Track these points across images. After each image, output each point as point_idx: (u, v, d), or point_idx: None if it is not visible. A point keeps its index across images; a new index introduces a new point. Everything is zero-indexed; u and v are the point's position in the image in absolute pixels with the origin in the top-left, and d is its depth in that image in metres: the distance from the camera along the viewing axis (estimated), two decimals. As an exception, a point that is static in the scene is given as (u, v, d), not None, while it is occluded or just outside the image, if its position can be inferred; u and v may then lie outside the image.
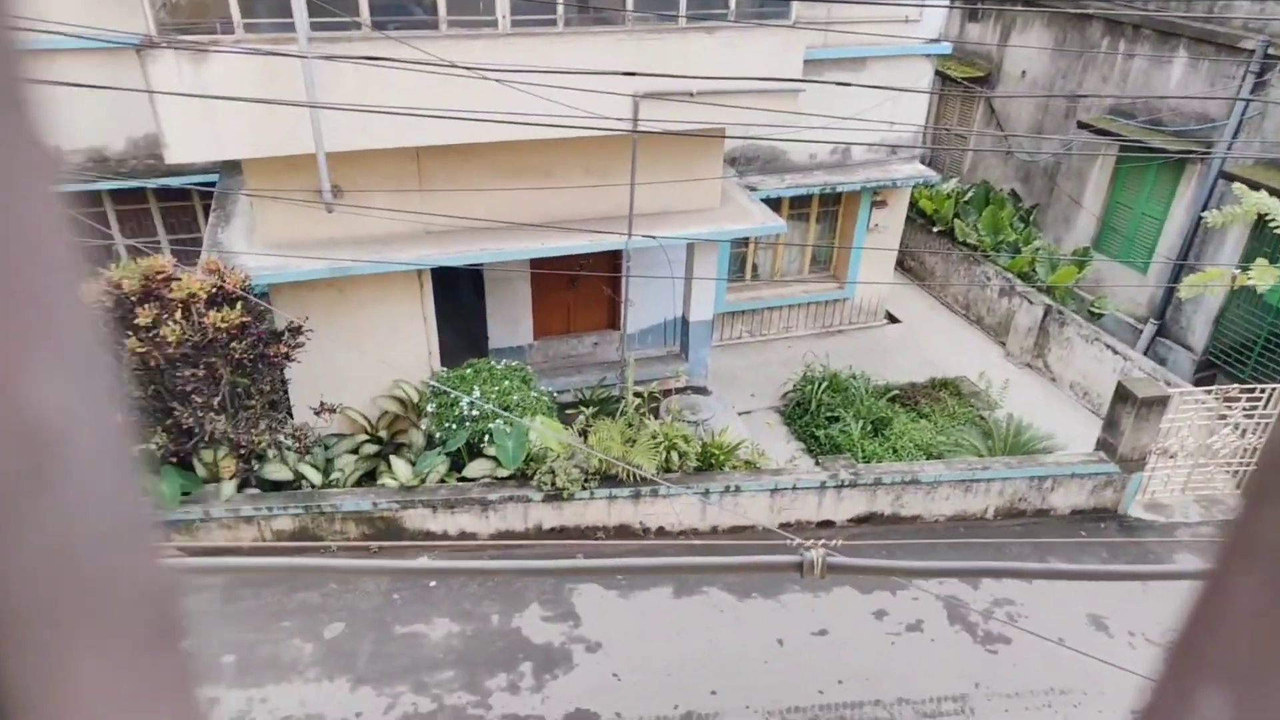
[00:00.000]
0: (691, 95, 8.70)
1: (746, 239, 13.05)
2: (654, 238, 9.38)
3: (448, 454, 9.36)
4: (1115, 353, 12.09)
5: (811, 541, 2.97)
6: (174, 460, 8.86)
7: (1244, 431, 10.43)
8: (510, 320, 11.62)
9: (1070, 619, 8.70)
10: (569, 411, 10.47)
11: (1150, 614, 8.82)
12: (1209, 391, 10.36)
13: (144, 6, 7.32)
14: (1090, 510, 10.38)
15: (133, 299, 8.04)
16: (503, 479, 9.25)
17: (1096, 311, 13.93)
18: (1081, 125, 14.36)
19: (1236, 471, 10.74)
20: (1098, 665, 7.13)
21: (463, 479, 9.31)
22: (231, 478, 8.84)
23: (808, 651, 8.20)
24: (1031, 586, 9.08)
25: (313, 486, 9.12)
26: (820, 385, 11.66)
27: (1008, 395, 12.42)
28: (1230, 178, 12.12)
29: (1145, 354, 13.16)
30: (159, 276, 8.14)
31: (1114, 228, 14.59)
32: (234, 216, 9.98)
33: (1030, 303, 13.30)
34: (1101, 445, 10.37)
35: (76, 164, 10.92)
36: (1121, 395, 9.99)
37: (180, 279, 8.15)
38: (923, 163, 14.00)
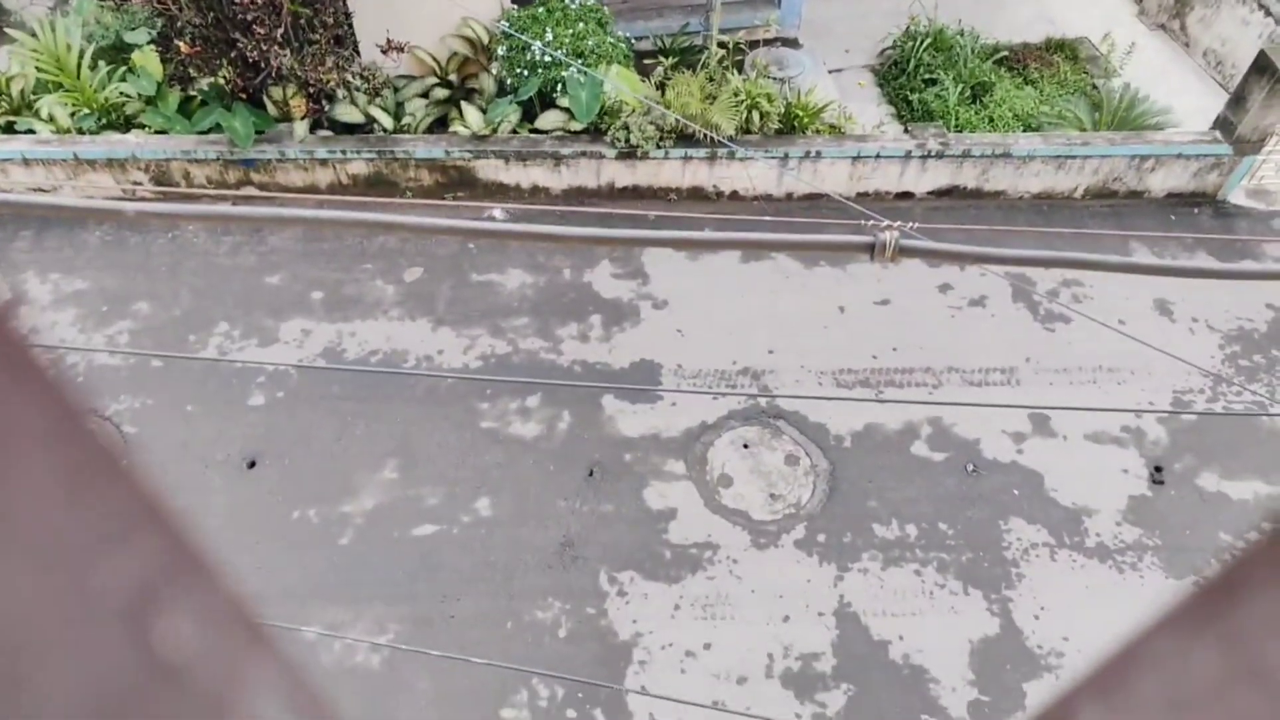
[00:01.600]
0: None
1: None
2: None
3: (519, 103, 9.05)
4: (1269, 13, 10.55)
5: (885, 224, 2.84)
6: (244, 96, 8.77)
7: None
8: (584, -50, 10.46)
9: (1136, 302, 8.69)
10: (647, 61, 9.82)
11: (1218, 300, 8.74)
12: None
13: None
14: (1188, 194, 9.82)
15: (179, -89, 7.38)
16: (576, 133, 9.01)
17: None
18: None
19: (1362, 162, 9.87)
20: (1151, 347, 7.25)
21: (535, 130, 9.09)
22: (303, 117, 8.78)
23: (868, 319, 8.46)
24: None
25: (385, 131, 9.04)
26: (923, 42, 10.60)
27: (1130, 61, 11.18)
28: None
29: (1304, 18, 11.47)
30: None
31: None
32: None
33: (1184, -51, 11.39)
34: (1219, 124, 9.50)
35: None
36: (1260, 66, 8.89)
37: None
38: None
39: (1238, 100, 9.24)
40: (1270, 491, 7.41)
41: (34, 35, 9.18)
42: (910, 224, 2.84)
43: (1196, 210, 9.80)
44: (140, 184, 9.10)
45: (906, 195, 9.61)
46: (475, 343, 8.10)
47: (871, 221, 2.98)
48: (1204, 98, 10.86)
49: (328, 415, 7.53)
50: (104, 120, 9.10)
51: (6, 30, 9.65)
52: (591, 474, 7.24)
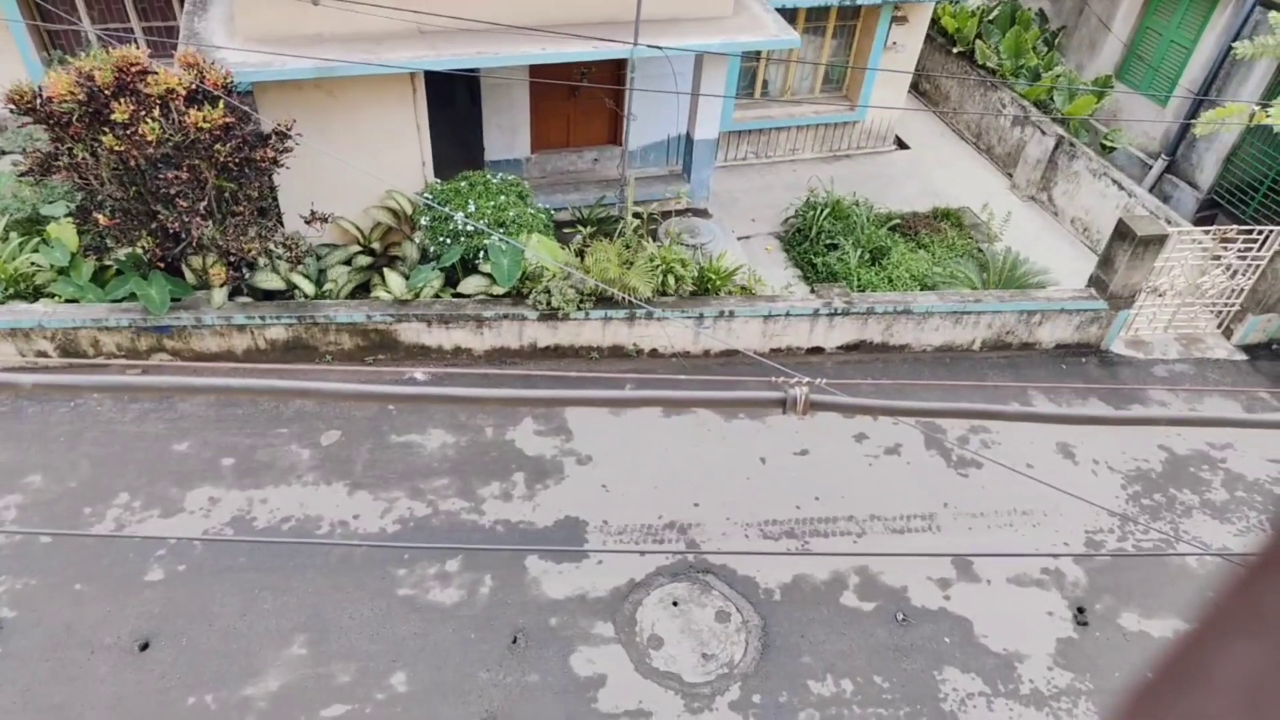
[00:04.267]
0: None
1: (758, 53, 12.35)
2: (660, 48, 8.84)
3: (442, 269, 9.29)
4: (1121, 188, 11.86)
5: (796, 379, 2.99)
6: (161, 266, 8.76)
7: (1235, 273, 10.46)
8: (507, 130, 11.17)
9: (1040, 446, 9.10)
10: (566, 230, 10.31)
11: (1115, 444, 9.22)
12: (1207, 231, 10.27)
13: None
14: (1074, 345, 10.58)
15: (106, 92, 7.62)
16: (498, 297, 9.25)
17: (1109, 145, 13.53)
18: (1124, -62, 13.27)
19: (1220, 312, 10.87)
20: (1059, 490, 7.54)
21: (457, 295, 9.30)
22: (222, 285, 8.79)
23: (788, 470, 8.59)
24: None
25: (306, 297, 9.10)
26: (822, 212, 11.47)
27: (1009, 228, 12.29)
28: (1269, 5, 11.41)
29: (1151, 190, 12.93)
30: (133, 69, 7.67)
31: (1140, 55, 13.86)
32: (211, 5, 9.30)
33: (1043, 133, 12.86)
34: (1094, 282, 10.41)
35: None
36: (1121, 233, 9.91)
37: (157, 73, 7.69)
38: (949, -26, 13.03)
39: (1106, 261, 10.19)
40: (1188, 628, 7.54)
41: (-55, 209, 9.10)
42: (820, 379, 2.97)
43: (1084, 360, 10.52)
44: (45, 353, 8.82)
45: (817, 350, 10.06)
46: (393, 505, 7.86)
47: (783, 378, 3.11)
48: (1076, 260, 11.94)
49: (232, 589, 7.07)
50: (10, 290, 8.91)
51: (-84, 204, 9.54)
52: (515, 641, 6.90)
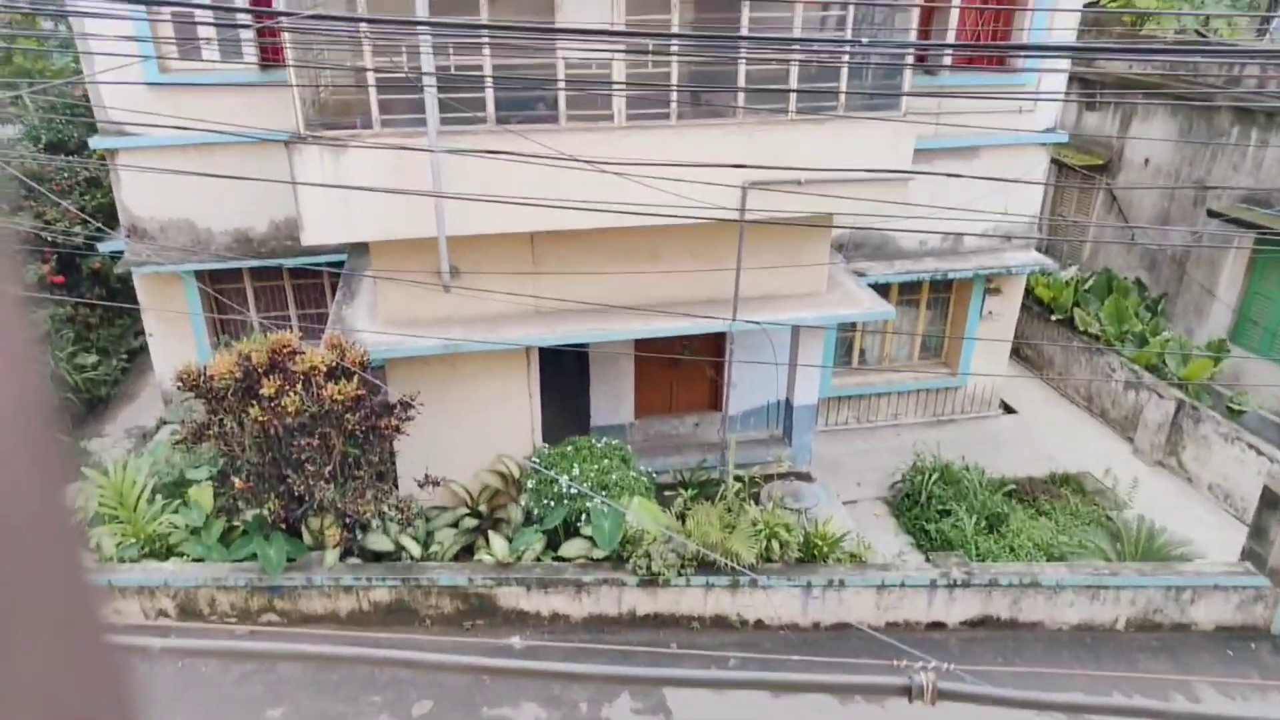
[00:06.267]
0: (799, 184, 8.75)
1: (854, 324, 12.84)
2: (757, 323, 9.34)
3: (544, 531, 9.37)
4: (1260, 453, 11.14)
5: (921, 662, 2.75)
6: (283, 526, 9.19)
7: None
8: (613, 398, 11.71)
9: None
10: (667, 493, 10.35)
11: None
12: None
13: (295, 106, 7.97)
14: (1238, 627, 9.42)
15: (260, 370, 8.51)
16: (598, 560, 9.16)
17: (1236, 408, 12.94)
18: (1212, 214, 13.64)
19: None
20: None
21: (558, 558, 9.27)
22: (336, 546, 9.08)
23: (915, 766, 7.61)
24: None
25: (412, 558, 9.26)
26: (931, 476, 11.16)
27: (1137, 495, 11.57)
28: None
29: (1294, 456, 12.07)
30: (285, 350, 8.61)
31: (1252, 319, 13.64)
32: (358, 295, 10.53)
33: (1160, 397, 12.48)
34: (1248, 555, 9.48)
35: (224, 244, 11.84)
36: (1270, 500, 9.16)
37: (304, 353, 8.59)
38: (1039, 250, 13.55)
39: (1258, 532, 9.35)
40: None
41: (106, 474, 10.00)
42: (948, 664, 2.75)
43: (1253, 645, 9.32)
44: (165, 612, 9.13)
45: (938, 625, 9.32)
46: (480, 789, 7.33)
47: (906, 661, 2.89)
48: (1221, 530, 11.00)
49: None
50: (146, 549, 9.46)
51: (82, 469, 10.54)
52: None
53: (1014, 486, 11.45)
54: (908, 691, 2.58)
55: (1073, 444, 13.04)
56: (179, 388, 8.64)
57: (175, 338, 12.32)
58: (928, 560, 9.60)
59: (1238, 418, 12.83)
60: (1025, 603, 9.22)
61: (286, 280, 12.66)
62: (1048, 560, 9.95)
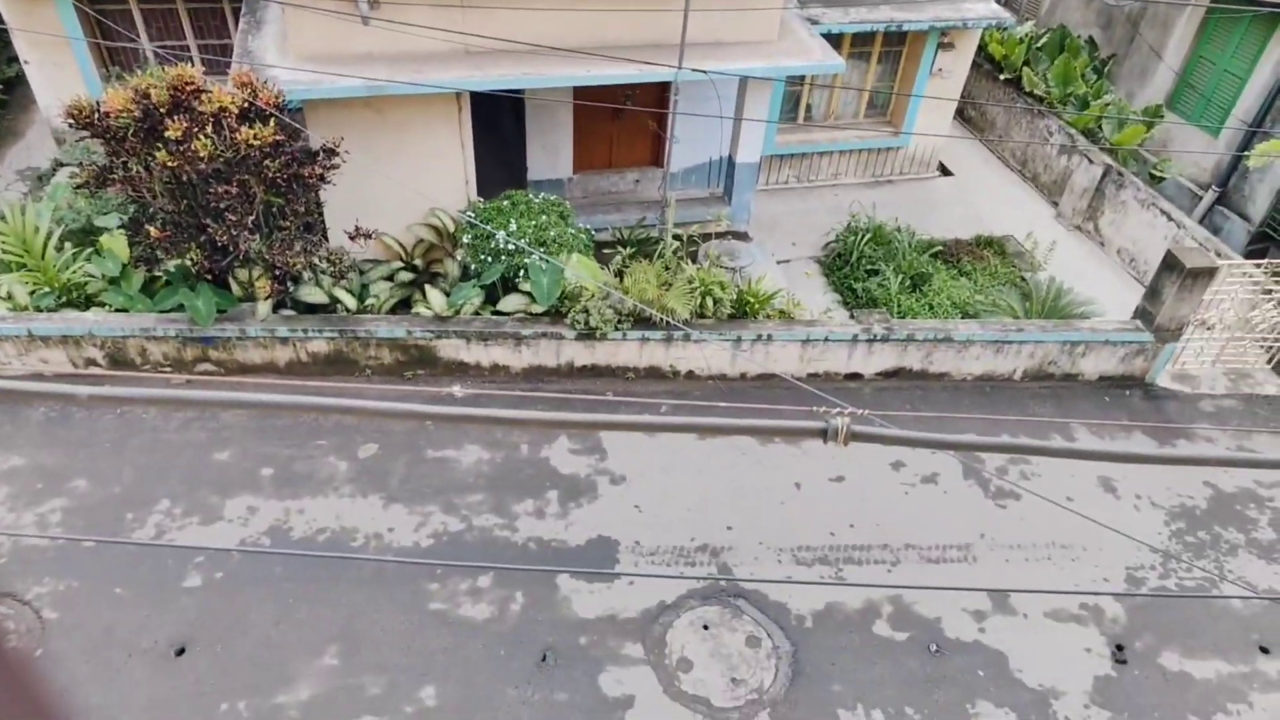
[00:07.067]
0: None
1: (802, 77, 12.37)
2: (705, 72, 8.90)
3: (482, 287, 9.39)
4: (1170, 219, 11.63)
5: (838, 409, 2.97)
6: (209, 277, 8.97)
7: (1289, 308, 10.18)
8: (550, 151, 11.30)
9: (1081, 480, 8.90)
10: (606, 250, 10.37)
11: (1159, 479, 8.99)
12: (1259, 265, 10.02)
13: None
14: (1118, 377, 10.35)
15: (162, 110, 7.85)
16: (536, 315, 9.31)
17: (1158, 175, 13.29)
18: (1176, -34, 13.10)
19: (1270, 347, 10.58)
20: (1100, 525, 7.37)
21: (497, 313, 9.39)
22: (267, 298, 8.97)
23: (823, 496, 8.49)
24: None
25: (348, 311, 9.26)
26: (863, 237, 11.40)
27: (1053, 257, 12.11)
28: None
29: (1200, 222, 12.66)
30: (188, 87, 7.90)
31: (1191, 84, 13.63)
32: (265, 24, 9.56)
33: (1090, 162, 12.68)
34: (1140, 314, 10.19)
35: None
36: (1169, 264, 9.71)
37: (210, 91, 7.91)
38: (997, 2, 12.95)
39: (1153, 293, 9.98)
40: (1232, 670, 7.30)
41: (3, 218, 9.41)
42: (862, 410, 2.95)
43: (1128, 392, 10.29)
44: (94, 361, 9.06)
45: (855, 376, 9.97)
46: (428, 520, 7.91)
47: (824, 407, 3.09)
48: (1122, 291, 11.72)
49: (268, 597, 7.16)
50: (63, 299, 9.18)
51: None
52: (545, 659, 6.88)
53: (941, 248, 11.81)
54: (823, 434, 2.80)
55: (1003, 207, 13.36)
56: (70, 125, 7.95)
57: (55, 66, 11.15)
58: (852, 317, 10.06)
59: (1158, 185, 13.22)
60: (936, 356, 9.87)
61: (180, 4, 11.34)
62: (963, 318, 10.53)
